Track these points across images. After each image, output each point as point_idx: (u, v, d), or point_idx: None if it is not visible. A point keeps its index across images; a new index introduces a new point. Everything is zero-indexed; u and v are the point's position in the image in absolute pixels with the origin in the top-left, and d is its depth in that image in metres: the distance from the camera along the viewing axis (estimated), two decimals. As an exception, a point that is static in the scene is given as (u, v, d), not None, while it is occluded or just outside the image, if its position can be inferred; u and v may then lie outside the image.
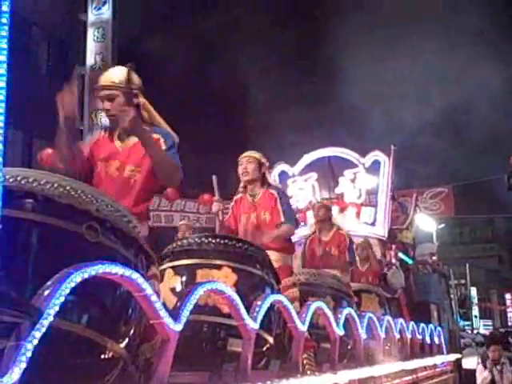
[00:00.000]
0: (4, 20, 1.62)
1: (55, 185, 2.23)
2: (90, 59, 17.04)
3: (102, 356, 2.20)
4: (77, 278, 1.78)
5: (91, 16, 17.20)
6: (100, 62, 17.11)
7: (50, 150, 12.25)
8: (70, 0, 16.85)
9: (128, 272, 1.99)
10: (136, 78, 3.38)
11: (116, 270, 1.95)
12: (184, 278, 3.71)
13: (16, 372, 1.53)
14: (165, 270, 3.73)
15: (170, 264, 3.77)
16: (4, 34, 1.60)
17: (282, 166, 11.44)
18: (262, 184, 5.04)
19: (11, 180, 2.20)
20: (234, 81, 16.56)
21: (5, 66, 1.58)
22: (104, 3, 17.48)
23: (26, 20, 15.55)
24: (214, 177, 5.07)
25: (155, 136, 3.31)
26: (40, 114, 13.41)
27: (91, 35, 17.02)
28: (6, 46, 1.61)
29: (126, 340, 2.31)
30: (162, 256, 3.87)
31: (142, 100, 3.37)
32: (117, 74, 3.36)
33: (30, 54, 16.18)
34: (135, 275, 2.02)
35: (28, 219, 2.14)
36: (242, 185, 5.14)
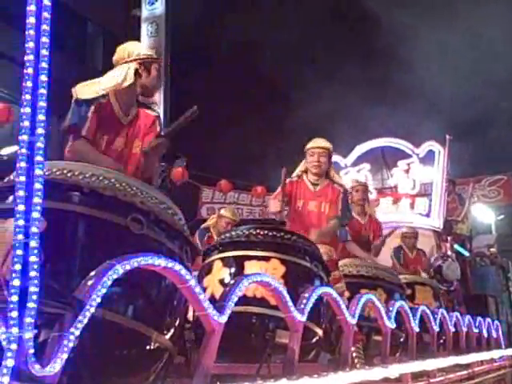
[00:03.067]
0: (46, 15, 1.63)
1: (100, 177, 2.25)
2: (144, 54, 17.22)
3: (148, 347, 2.22)
4: (119, 269, 1.79)
5: (145, 11, 17.37)
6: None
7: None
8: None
9: (171, 264, 2.00)
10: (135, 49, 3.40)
11: (159, 261, 1.96)
12: (232, 270, 3.71)
13: (58, 362, 1.56)
14: (213, 261, 3.73)
15: (219, 256, 3.78)
16: (47, 27, 1.62)
17: (334, 157, 11.29)
18: (326, 175, 4.94)
19: (58, 173, 2.24)
20: (286, 70, 16.49)
21: (46, 59, 1.60)
22: (157, -2, 17.65)
23: (82, 17, 15.84)
24: (283, 169, 4.89)
25: (151, 113, 3.35)
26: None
27: (145, 30, 17.19)
28: (48, 40, 1.63)
29: (172, 331, 2.33)
30: (210, 248, 3.89)
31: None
32: (142, 46, 3.50)
33: (85, 50, 16.50)
34: (178, 267, 2.03)
35: (74, 211, 2.17)
36: (302, 169, 5.01)
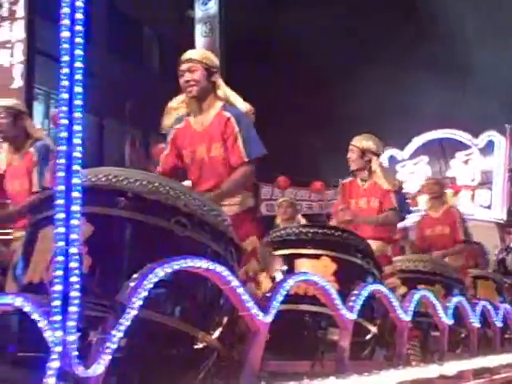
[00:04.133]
0: (80, 16, 1.68)
1: (144, 182, 2.30)
2: (199, 54, 17.43)
3: (195, 347, 2.26)
4: (160, 272, 1.83)
5: (198, 12, 17.58)
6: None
7: (163, 145, 12.71)
8: (178, -2, 17.33)
9: (212, 265, 2.02)
10: (215, 59, 3.47)
11: (200, 263, 2.00)
12: (283, 268, 3.72)
13: (101, 363, 1.61)
14: (264, 259, 3.75)
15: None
16: (80, 28, 1.66)
17: (390, 151, 11.17)
18: (370, 172, 4.90)
19: (103, 179, 2.30)
20: (339, 62, 16.31)
21: (81, 60, 1.65)
22: (210, -2, 17.83)
23: (138, 21, 16.15)
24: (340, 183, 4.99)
25: (226, 114, 3.34)
26: (154, 112, 13.91)
27: (199, 31, 17.40)
28: (82, 41, 1.68)
29: (219, 331, 2.36)
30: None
31: (218, 80, 3.42)
32: (197, 51, 3.56)
33: (142, 53, 16.80)
34: (220, 268, 2.06)
35: (119, 216, 2.23)
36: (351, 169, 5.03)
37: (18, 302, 1.74)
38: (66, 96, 1.62)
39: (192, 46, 17.42)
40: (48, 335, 1.60)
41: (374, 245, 4.13)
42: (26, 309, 1.71)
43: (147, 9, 15.61)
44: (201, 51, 3.53)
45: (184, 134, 3.43)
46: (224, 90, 3.44)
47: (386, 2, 16.76)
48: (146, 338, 2.09)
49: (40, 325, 1.65)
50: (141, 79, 15.24)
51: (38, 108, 12.54)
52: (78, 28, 1.67)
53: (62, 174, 1.57)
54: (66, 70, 1.64)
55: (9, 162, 4.38)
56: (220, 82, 3.43)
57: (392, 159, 11.18)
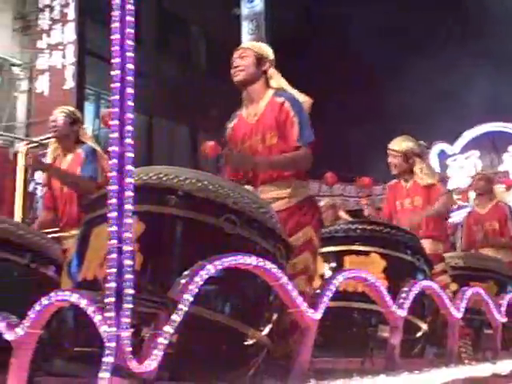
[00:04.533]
0: (130, 18, 1.71)
1: (193, 180, 2.33)
2: (246, 51, 17.50)
3: (245, 344, 2.28)
4: (211, 269, 1.86)
5: (244, 9, 17.64)
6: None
7: (212, 142, 12.81)
8: (224, -4, 17.41)
9: (262, 262, 2.04)
10: (268, 50, 3.42)
11: (250, 260, 2.01)
12: (332, 265, 3.72)
13: (154, 359, 1.64)
14: (313, 257, 3.75)
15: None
16: (130, 31, 1.70)
17: (440, 145, 10.99)
18: (411, 171, 4.85)
19: (154, 178, 2.34)
20: (386, 57, 16.13)
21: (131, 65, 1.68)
22: (256, -5, 17.87)
23: (185, 21, 16.30)
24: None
25: (279, 100, 3.28)
26: (202, 109, 14.03)
27: (245, 28, 17.46)
28: (132, 43, 1.71)
29: (268, 328, 2.37)
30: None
31: (271, 70, 3.36)
32: (251, 42, 3.44)
33: (190, 52, 16.95)
34: (269, 265, 2.07)
35: (170, 214, 2.26)
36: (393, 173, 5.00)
37: (74, 298, 1.79)
38: (117, 97, 1.65)
39: (238, 43, 17.52)
40: (103, 330, 1.65)
41: (426, 243, 4.09)
42: (82, 305, 1.75)
43: (194, 8, 15.74)
44: (255, 42, 3.50)
45: (239, 129, 3.38)
46: (278, 80, 3.37)
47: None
48: (196, 335, 2.12)
49: (95, 320, 1.70)
50: (188, 78, 15.38)
51: (89, 108, 12.79)
52: (129, 30, 1.71)
53: (114, 173, 1.61)
54: (116, 72, 1.68)
55: (53, 159, 4.63)
56: (273, 72, 3.36)
57: (442, 154, 11.00)
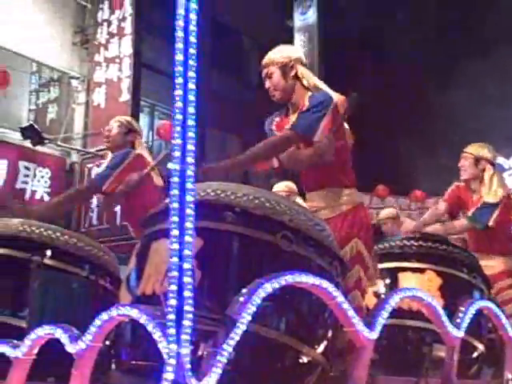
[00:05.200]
0: (193, 28, 1.75)
1: (250, 197, 2.35)
2: (298, 64, 17.55)
3: (300, 361, 2.28)
4: (268, 288, 1.87)
5: (297, 21, 17.70)
6: (307, 65, 17.55)
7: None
8: (277, 8, 17.47)
9: (318, 281, 2.04)
10: (289, 51, 3.33)
11: (306, 279, 2.02)
12: (386, 282, 3.68)
13: (213, 376, 1.66)
14: (366, 273, 3.72)
15: (372, 267, 3.76)
16: (194, 40, 1.73)
17: (497, 160, 10.73)
18: (481, 181, 4.61)
19: (212, 194, 2.37)
20: (438, 74, 15.91)
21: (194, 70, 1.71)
22: (309, 7, 17.89)
23: (237, 31, 16.45)
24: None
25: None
26: (253, 121, 14.11)
27: (298, 40, 17.50)
28: (195, 64, 1.75)
29: (323, 346, 2.37)
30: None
31: (300, 70, 3.23)
32: (272, 52, 3.34)
33: (242, 64, 17.09)
34: (325, 284, 2.07)
35: (227, 230, 2.28)
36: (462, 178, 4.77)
37: (134, 313, 1.82)
38: (180, 117, 1.69)
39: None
40: (162, 347, 1.67)
41: (499, 260, 4.01)
42: (142, 320, 1.79)
43: (247, 20, 15.89)
44: (273, 52, 3.32)
45: (282, 126, 3.31)
46: (309, 78, 3.25)
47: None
48: (253, 352, 2.13)
49: (155, 336, 1.73)
50: (240, 89, 15.51)
51: (144, 120, 13.03)
52: (191, 51, 1.74)
53: (175, 191, 1.64)
54: (179, 92, 1.71)
55: None
56: (302, 71, 3.24)
57: (498, 167, 10.75)
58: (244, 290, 1.88)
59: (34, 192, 11.16)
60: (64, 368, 2.14)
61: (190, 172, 1.67)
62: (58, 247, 3.16)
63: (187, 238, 1.62)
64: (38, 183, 11.25)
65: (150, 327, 1.75)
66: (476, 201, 4.63)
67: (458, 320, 2.91)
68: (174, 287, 1.59)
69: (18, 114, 11.56)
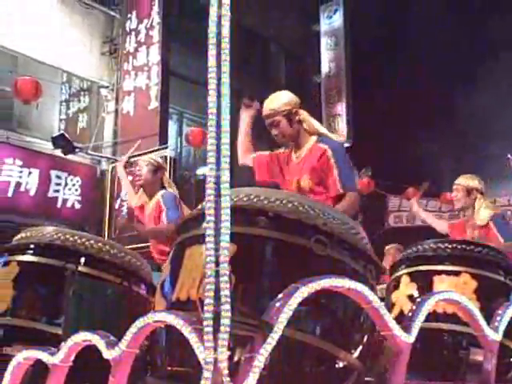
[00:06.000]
0: (225, 33, 1.75)
1: (284, 201, 2.34)
2: (325, 67, 17.50)
3: (336, 366, 2.27)
4: (304, 292, 1.86)
5: (323, 25, 17.65)
6: (334, 68, 17.49)
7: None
8: (303, 12, 17.45)
9: (354, 285, 2.02)
10: (290, 98, 3.56)
11: (342, 283, 2.00)
12: (421, 285, 3.64)
13: (250, 382, 1.65)
14: (401, 276, 3.69)
15: (406, 270, 3.72)
16: (226, 58, 1.74)
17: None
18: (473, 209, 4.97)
19: (245, 199, 2.37)
20: (462, 76, 15.73)
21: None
22: (335, 11, 17.85)
23: (264, 37, 16.47)
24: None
25: (322, 146, 3.44)
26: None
27: (324, 44, 17.46)
28: (228, 70, 1.75)
29: (359, 350, 2.35)
30: (397, 262, 3.85)
31: (302, 114, 3.53)
32: (271, 101, 3.58)
33: (268, 68, 17.10)
34: (361, 287, 2.05)
35: (261, 235, 2.28)
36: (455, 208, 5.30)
37: (171, 319, 1.83)
38: (213, 122, 1.69)
39: (318, 59, 17.55)
40: (200, 353, 1.67)
41: None
42: (178, 326, 1.79)
43: (274, 25, 15.90)
44: (273, 101, 3.57)
45: (285, 162, 3.63)
46: (309, 122, 3.54)
47: None
48: (288, 357, 2.12)
49: (192, 342, 1.73)
50: (267, 94, 15.51)
51: (172, 127, 13.11)
52: (225, 57, 1.74)
53: (212, 198, 1.64)
54: (213, 99, 1.71)
55: (141, 206, 5.04)
56: (304, 116, 3.53)
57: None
58: (280, 295, 1.87)
59: (65, 200, 11.31)
60: (101, 374, 2.15)
61: (224, 178, 1.66)
62: (91, 255, 3.19)
63: (223, 244, 1.62)
64: (69, 191, 11.40)
65: (186, 333, 1.75)
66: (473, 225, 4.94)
67: (496, 323, 2.86)
68: (211, 293, 1.59)
69: (49, 124, 11.74)
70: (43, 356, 2.22)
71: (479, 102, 14.08)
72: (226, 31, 1.71)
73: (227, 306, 1.60)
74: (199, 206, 2.53)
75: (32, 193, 10.83)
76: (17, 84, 8.57)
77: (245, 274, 2.19)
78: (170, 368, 2.24)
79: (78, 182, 11.51)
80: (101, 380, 2.15)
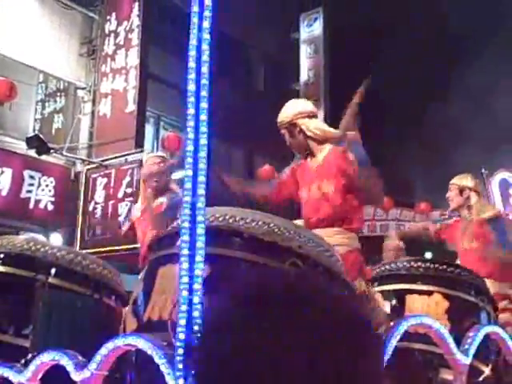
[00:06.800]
0: (205, 47, 1.74)
1: (259, 222, 2.33)
2: (304, 75, 17.56)
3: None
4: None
5: (303, 33, 17.73)
6: (313, 77, 17.55)
7: (268, 166, 12.92)
8: (283, 21, 17.50)
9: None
10: (293, 107, 3.58)
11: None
12: (393, 303, 3.65)
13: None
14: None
15: (378, 288, 3.73)
16: (206, 58, 1.72)
17: (501, 174, 10.73)
18: (469, 208, 4.92)
19: (220, 219, 2.34)
20: (453, 86, 15.90)
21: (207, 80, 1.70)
22: (315, 19, 17.93)
23: (244, 44, 16.49)
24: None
25: (340, 147, 3.45)
26: (258, 131, 14.13)
27: (304, 52, 17.54)
28: (207, 83, 1.74)
29: None
30: (369, 280, 3.86)
31: (302, 125, 3.52)
32: (284, 112, 3.61)
33: (248, 75, 17.12)
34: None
35: (234, 257, 2.26)
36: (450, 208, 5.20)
37: (141, 343, 1.80)
38: (192, 136, 1.67)
39: (297, 67, 17.61)
40: (169, 379, 1.65)
41: (489, 284, 3.98)
42: (148, 351, 1.77)
43: (253, 32, 15.92)
44: (286, 110, 3.60)
45: (302, 172, 3.60)
46: (311, 129, 3.51)
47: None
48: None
49: (162, 368, 1.71)
50: (246, 101, 15.52)
51: (149, 130, 13.03)
52: (203, 69, 1.73)
53: (186, 224, 1.62)
54: (191, 111, 1.70)
55: (144, 209, 4.63)
56: (305, 126, 3.51)
57: (503, 183, 10.73)
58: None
59: (38, 201, 11.16)
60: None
61: (200, 204, 1.65)
62: (62, 266, 3.14)
63: (197, 272, 1.60)
64: (42, 192, 11.25)
65: (156, 358, 1.73)
66: (470, 227, 4.83)
67: (466, 346, 2.88)
68: (182, 321, 1.57)
69: (23, 123, 11.59)
70: (10, 374, 2.17)
71: (452, 112, 14.23)
72: (206, 36, 1.70)
73: (199, 335, 1.58)
74: (174, 224, 2.50)
75: (4, 193, 10.67)
76: (-9, 85, 8.45)
77: (215, 295, 2.17)
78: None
79: (51, 182, 11.37)
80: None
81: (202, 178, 1.65)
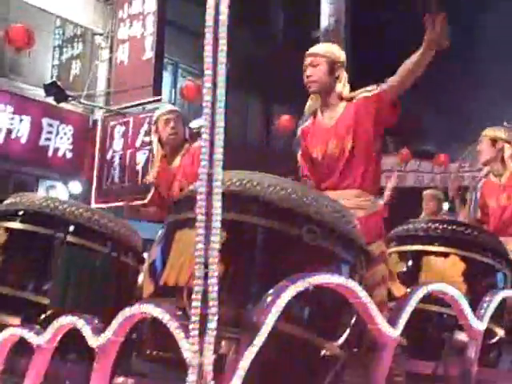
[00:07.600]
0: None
1: (277, 187, 2.30)
2: (324, 22, 17.18)
3: (319, 356, 2.27)
4: (293, 290, 1.84)
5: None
6: (333, 23, 17.16)
7: (287, 117, 12.75)
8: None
9: (343, 281, 2.01)
10: (339, 53, 3.32)
11: (331, 279, 1.99)
12: (409, 264, 3.65)
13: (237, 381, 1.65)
14: (390, 254, 3.67)
15: (395, 249, 3.72)
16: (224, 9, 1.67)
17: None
18: (502, 162, 4.53)
19: (237, 184, 2.31)
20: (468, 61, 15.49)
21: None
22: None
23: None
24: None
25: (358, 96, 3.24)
26: (277, 81, 13.93)
27: (324, -4, 17.14)
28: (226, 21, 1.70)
29: (344, 341, 2.35)
30: (385, 240, 3.83)
31: (343, 73, 3.28)
32: (323, 46, 3.41)
33: (267, 23, 16.78)
34: (351, 283, 2.04)
35: (251, 223, 2.24)
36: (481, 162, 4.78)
37: (157, 312, 1.81)
38: (209, 103, 1.63)
39: (317, 14, 17.21)
40: (185, 350, 1.66)
41: None
42: (164, 320, 1.78)
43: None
44: (325, 45, 3.43)
45: (312, 132, 3.35)
46: (345, 85, 3.28)
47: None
48: (274, 350, 2.11)
49: (177, 338, 1.72)
50: (264, 50, 15.26)
51: (166, 78, 12.89)
52: (223, 8, 1.68)
53: (204, 176, 1.60)
54: (209, 74, 1.65)
55: (162, 168, 4.37)
56: (344, 76, 3.28)
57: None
58: (269, 293, 1.85)
59: (56, 149, 11.21)
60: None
61: (217, 176, 1.62)
62: (81, 224, 3.16)
63: (213, 245, 1.59)
64: (61, 140, 11.29)
65: (172, 328, 1.74)
66: (508, 182, 4.51)
67: (482, 311, 2.87)
68: (198, 295, 1.57)
69: (41, 70, 11.51)
70: (28, 336, 2.21)
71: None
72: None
73: (214, 310, 1.58)
74: (191, 187, 2.48)
75: (23, 140, 10.71)
76: (9, 32, 8.34)
77: (234, 262, 2.17)
78: (156, 352, 2.24)
79: (69, 130, 11.38)
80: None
81: (220, 129, 1.61)
